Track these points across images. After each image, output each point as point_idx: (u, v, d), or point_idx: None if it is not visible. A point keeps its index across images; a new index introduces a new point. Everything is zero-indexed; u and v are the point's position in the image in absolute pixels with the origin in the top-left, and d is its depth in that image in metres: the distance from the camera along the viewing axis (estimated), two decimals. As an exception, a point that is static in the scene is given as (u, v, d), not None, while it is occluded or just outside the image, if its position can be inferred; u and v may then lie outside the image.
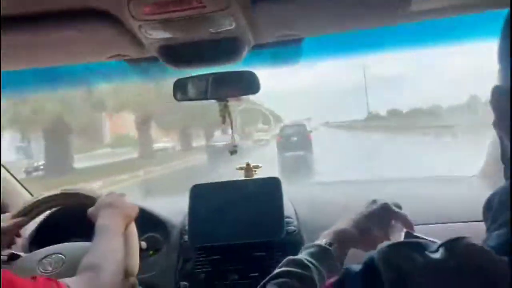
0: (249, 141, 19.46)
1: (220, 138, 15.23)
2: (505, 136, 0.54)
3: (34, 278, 0.68)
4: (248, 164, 1.53)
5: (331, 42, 1.14)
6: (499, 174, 0.61)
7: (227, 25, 0.87)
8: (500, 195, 0.53)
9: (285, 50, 1.12)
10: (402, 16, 0.93)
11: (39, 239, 1.39)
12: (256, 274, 1.23)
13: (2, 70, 1.10)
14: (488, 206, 0.54)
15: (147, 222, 1.32)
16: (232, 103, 1.26)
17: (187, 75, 1.20)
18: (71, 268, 0.72)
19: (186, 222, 1.36)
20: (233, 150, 1.30)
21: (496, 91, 0.53)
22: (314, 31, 1.04)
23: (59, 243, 1.17)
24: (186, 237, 1.32)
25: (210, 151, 15.77)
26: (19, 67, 1.16)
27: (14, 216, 1.20)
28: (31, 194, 1.64)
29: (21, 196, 1.59)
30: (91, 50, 1.01)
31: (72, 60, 1.13)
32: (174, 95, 1.22)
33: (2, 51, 0.89)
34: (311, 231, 1.32)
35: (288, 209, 1.35)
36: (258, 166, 1.56)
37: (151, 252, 1.36)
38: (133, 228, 1.10)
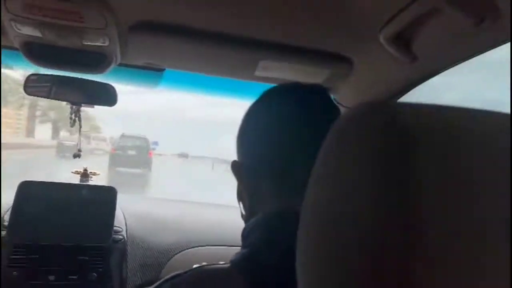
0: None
1: (69, 138, 19.11)
2: None
3: None
4: (85, 169, 1.55)
5: (190, 79, 1.30)
6: None
7: (101, 42, 0.95)
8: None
9: (148, 73, 1.24)
10: (249, 77, 1.16)
11: None
12: (75, 276, 1.25)
13: None
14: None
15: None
16: (84, 108, 1.31)
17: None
18: None
19: (6, 217, 1.30)
20: (77, 154, 1.33)
21: None
22: (175, 66, 1.18)
23: None
24: (3, 233, 1.26)
25: (59, 148, 18.66)
26: None
27: None
28: None
29: None
30: None
31: None
32: (25, 88, 1.20)
33: None
34: (136, 243, 1.42)
35: (119, 218, 1.43)
36: (96, 173, 1.60)
37: None
38: None
